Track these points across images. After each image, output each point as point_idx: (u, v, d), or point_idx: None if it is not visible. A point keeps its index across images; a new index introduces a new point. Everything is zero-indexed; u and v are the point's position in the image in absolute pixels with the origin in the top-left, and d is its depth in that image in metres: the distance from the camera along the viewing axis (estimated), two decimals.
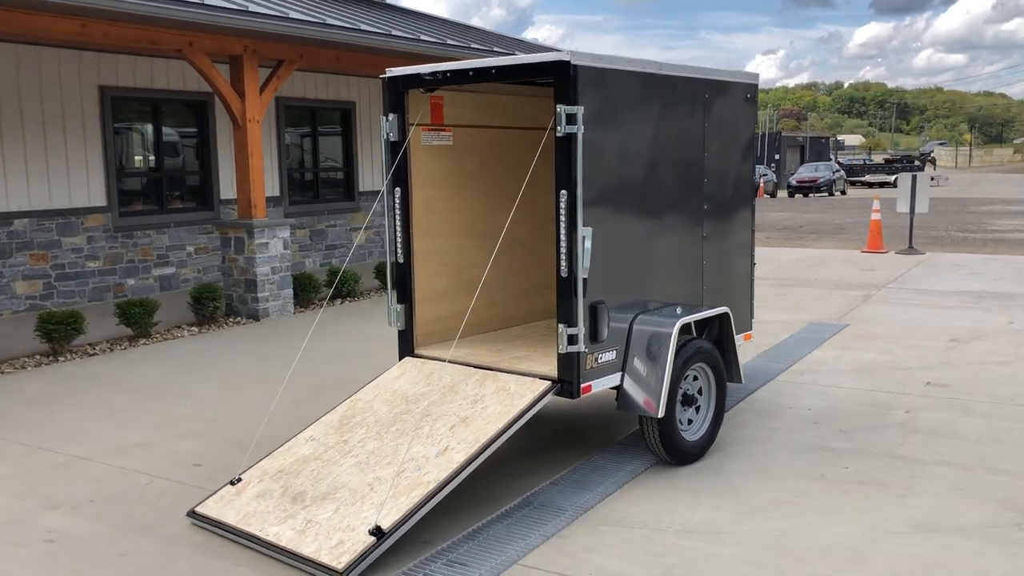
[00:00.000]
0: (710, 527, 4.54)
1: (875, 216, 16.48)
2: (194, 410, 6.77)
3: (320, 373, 7.84)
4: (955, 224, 23.12)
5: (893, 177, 51.96)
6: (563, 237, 4.84)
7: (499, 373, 5.21)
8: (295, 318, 10.47)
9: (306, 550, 4.14)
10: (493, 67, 5.06)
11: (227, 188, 12.98)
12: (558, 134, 4.78)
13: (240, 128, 10.08)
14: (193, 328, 9.70)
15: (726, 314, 5.72)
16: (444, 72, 5.27)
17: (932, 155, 69.92)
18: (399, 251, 5.69)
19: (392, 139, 5.56)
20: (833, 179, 40.99)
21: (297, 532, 4.27)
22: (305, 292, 10.85)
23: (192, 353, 8.72)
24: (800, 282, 12.83)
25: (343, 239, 15.06)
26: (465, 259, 6.07)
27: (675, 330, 5.17)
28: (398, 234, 5.66)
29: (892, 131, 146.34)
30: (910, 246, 15.97)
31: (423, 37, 11.63)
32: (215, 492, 4.78)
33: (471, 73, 5.17)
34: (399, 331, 5.77)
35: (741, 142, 6.20)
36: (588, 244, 4.82)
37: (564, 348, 4.91)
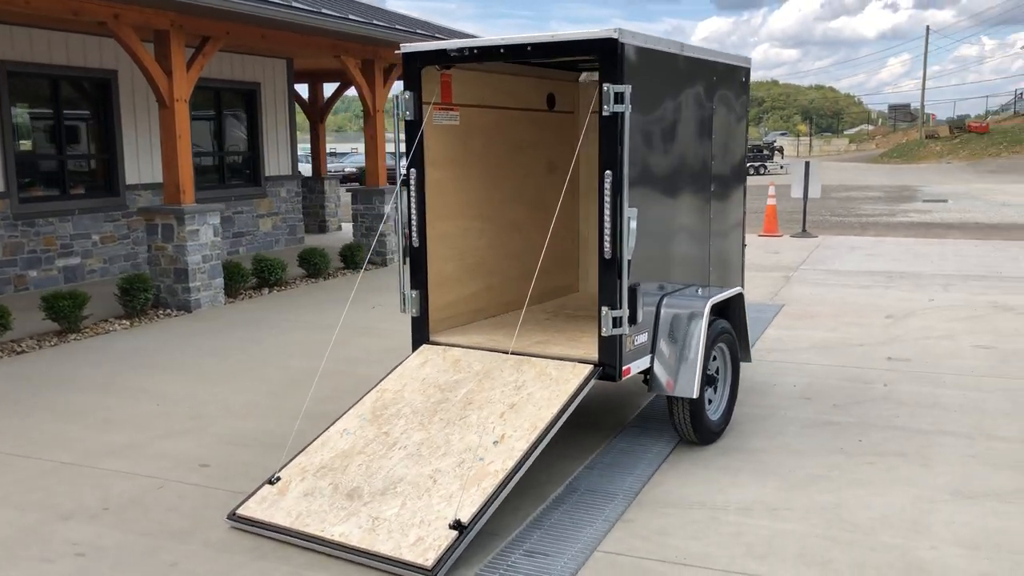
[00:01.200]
0: (765, 504, 4.59)
1: (771, 202, 17.15)
2: (166, 408, 6.32)
3: (286, 365, 7.49)
4: (827, 209, 24.33)
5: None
6: (607, 218, 4.77)
7: (532, 358, 5.10)
8: (227, 309, 9.95)
9: (382, 548, 3.93)
10: (529, 44, 4.92)
11: (133, 173, 12.19)
12: (604, 113, 4.69)
13: (167, 108, 9.47)
14: (123, 321, 9.07)
15: (740, 295, 5.80)
16: (471, 49, 5.09)
17: (780, 145, 73.27)
18: (414, 235, 5.47)
19: (408, 118, 5.34)
20: None
21: (366, 531, 4.05)
22: (233, 282, 10.34)
23: (133, 348, 8.15)
24: None
25: (250, 226, 14.44)
26: (468, 243, 5.91)
27: (707, 311, 5.20)
28: (413, 217, 5.45)
29: None
30: (804, 229, 16.70)
31: (351, 16, 11.25)
32: (253, 493, 4.47)
33: (502, 51, 5.02)
34: (413, 318, 5.55)
35: (739, 125, 6.29)
36: (633, 225, 4.77)
37: (608, 331, 4.85)
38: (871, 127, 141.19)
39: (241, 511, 4.37)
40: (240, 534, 4.28)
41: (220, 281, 10.00)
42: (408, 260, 5.48)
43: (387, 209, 13.12)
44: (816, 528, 4.31)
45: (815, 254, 14.19)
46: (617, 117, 4.68)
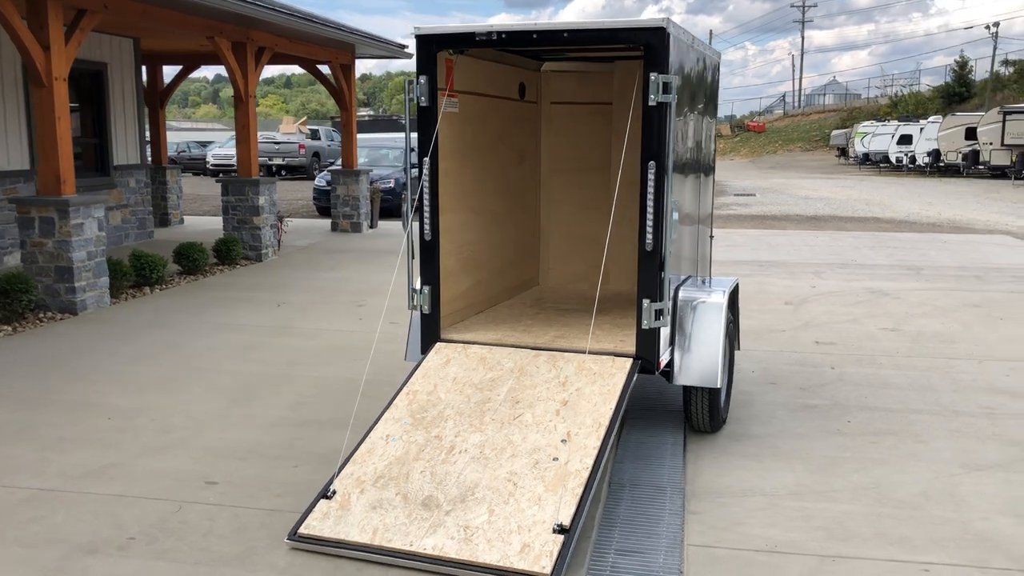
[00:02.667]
0: (810, 488, 4.72)
1: None
2: (122, 422, 5.68)
3: (226, 370, 6.93)
4: None
5: None
6: (650, 209, 4.73)
7: (563, 353, 4.99)
8: (116, 310, 9.07)
9: (488, 559, 3.72)
10: (566, 31, 4.78)
11: None
12: (650, 103, 4.64)
13: (45, 87, 8.48)
14: (5, 327, 8.06)
15: (737, 284, 5.93)
16: (500, 33, 4.87)
17: None
18: (427, 228, 5.20)
19: (423, 104, 5.06)
20: None
21: (460, 541, 3.81)
22: (116, 281, 9.44)
23: (34, 356, 7.26)
24: None
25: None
26: (465, 236, 5.69)
27: (726, 301, 5.28)
28: (426, 209, 5.17)
29: None
30: None
31: None
32: (310, 509, 4.10)
33: (535, 36, 4.85)
34: (423, 315, 5.28)
35: (714, 115, 6.43)
36: (676, 216, 4.76)
37: (649, 324, 4.82)
38: None
39: (303, 530, 4.00)
40: (308, 555, 3.92)
41: (106, 280, 9.10)
42: (419, 254, 5.21)
43: (261, 201, 12.43)
44: (871, 507, 4.48)
45: None
46: (663, 107, 4.65)
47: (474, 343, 5.20)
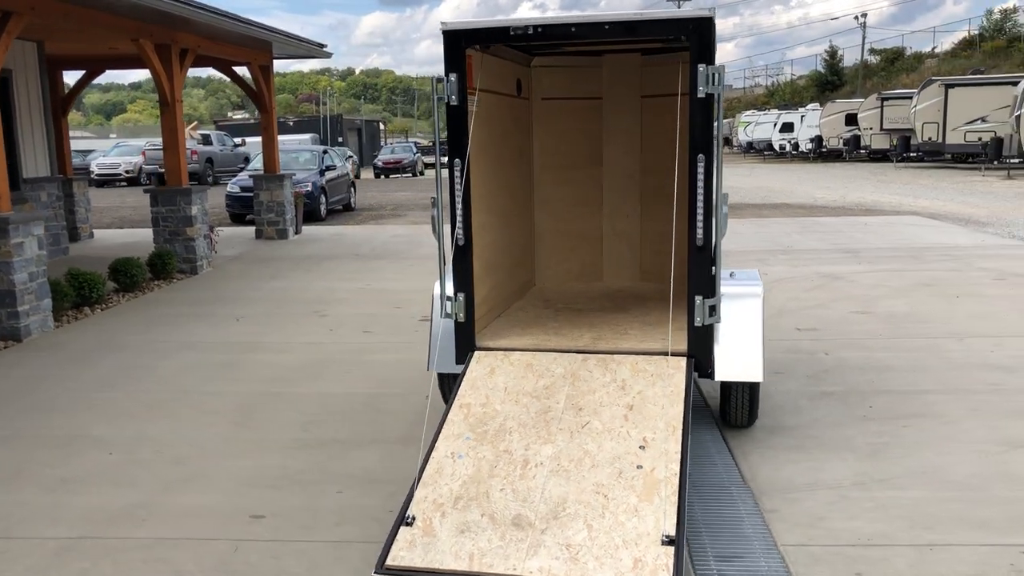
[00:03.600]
0: (870, 477, 4.71)
1: None
2: (125, 455, 5.24)
3: (212, 391, 6.51)
4: None
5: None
6: (700, 204, 4.62)
7: (612, 355, 4.84)
8: (62, 334, 8.42)
9: None
10: (607, 23, 4.61)
11: None
12: (699, 95, 4.53)
13: None
14: None
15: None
16: (537, 27, 4.67)
17: None
18: (460, 232, 4.95)
19: (454, 103, 4.81)
20: (414, 160, 42.59)
21: (566, 561, 3.62)
22: (56, 302, 8.78)
23: None
24: None
25: None
26: (485, 239, 5.46)
27: (762, 292, 5.22)
28: (459, 214, 4.93)
29: (401, 115, 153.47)
30: None
31: None
32: (392, 539, 3.81)
33: (573, 29, 4.67)
34: (457, 323, 5.03)
35: None
36: (726, 209, 4.66)
37: (703, 320, 4.72)
38: None
39: (392, 562, 3.71)
40: None
41: (49, 302, 8.45)
42: (452, 259, 4.97)
43: (194, 211, 11.81)
44: (936, 492, 4.49)
45: None
46: (711, 98, 4.55)
47: (514, 349, 4.99)
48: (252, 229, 16.10)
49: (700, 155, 4.58)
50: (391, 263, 12.68)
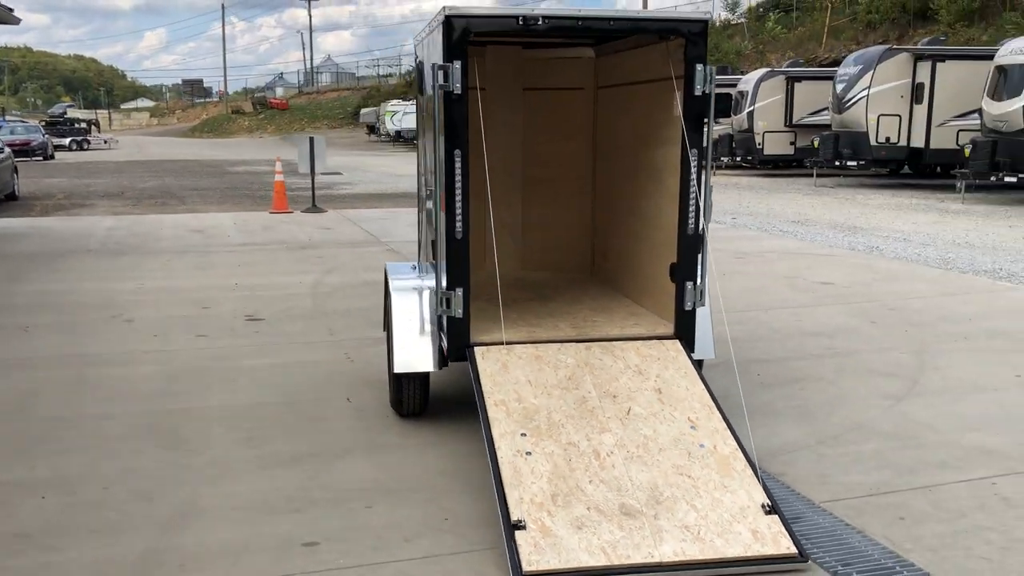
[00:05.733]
0: (824, 435, 5.30)
1: (279, 178, 16.89)
2: (61, 497, 4.41)
3: (105, 414, 5.63)
4: (260, 185, 24.45)
5: (68, 140, 50.31)
6: (692, 193, 4.93)
7: (611, 342, 5.01)
8: None
9: (733, 552, 3.74)
10: (612, 18, 4.73)
11: None
12: (696, 93, 4.82)
13: None
14: None
15: None
16: (545, 18, 4.65)
17: (96, 119, 69.32)
18: (459, 225, 4.80)
19: (456, 93, 4.64)
20: (44, 142, 38.12)
21: (691, 542, 3.77)
22: None
23: None
24: (307, 245, 12.88)
25: None
26: (476, 231, 5.33)
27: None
28: (458, 206, 4.77)
29: None
30: (313, 204, 16.89)
31: None
32: (515, 545, 3.69)
33: (580, 23, 4.72)
34: (452, 320, 4.87)
35: None
36: (712, 199, 5.02)
37: (691, 305, 5.03)
38: (155, 102, 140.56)
39: (529, 568, 3.60)
40: None
41: None
42: (447, 254, 4.81)
43: None
44: (887, 443, 5.18)
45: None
46: (707, 97, 4.86)
47: (514, 343, 4.96)
48: None
49: (694, 150, 4.88)
50: (144, 258, 11.50)
